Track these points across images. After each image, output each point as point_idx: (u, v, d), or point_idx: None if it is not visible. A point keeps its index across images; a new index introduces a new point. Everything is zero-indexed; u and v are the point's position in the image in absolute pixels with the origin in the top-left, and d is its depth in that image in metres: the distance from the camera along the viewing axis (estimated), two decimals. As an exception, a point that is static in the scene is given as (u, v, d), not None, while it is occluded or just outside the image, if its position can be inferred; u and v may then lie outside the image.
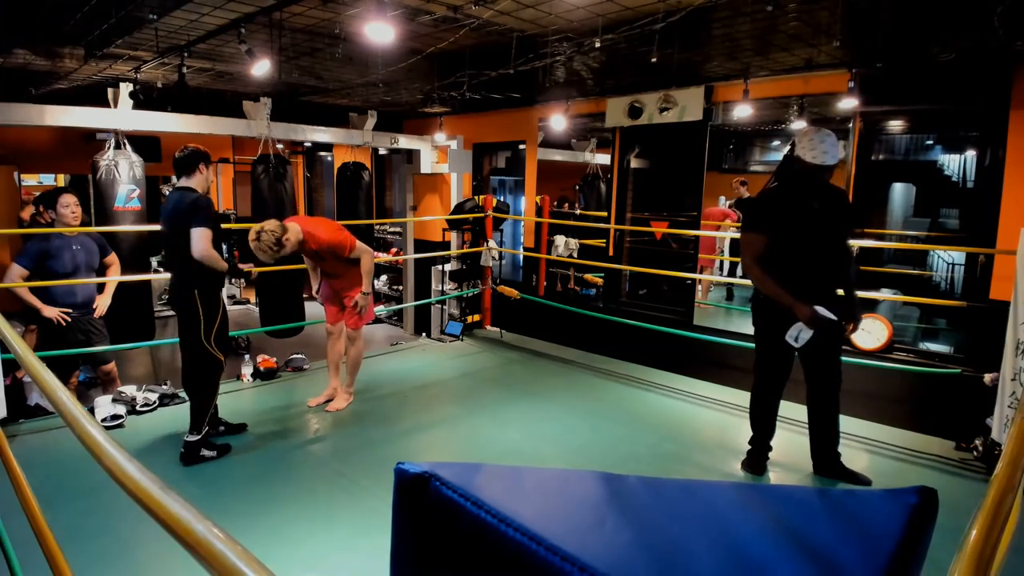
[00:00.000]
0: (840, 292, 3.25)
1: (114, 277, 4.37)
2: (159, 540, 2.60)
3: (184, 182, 3.34)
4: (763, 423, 3.37)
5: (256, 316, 7.08)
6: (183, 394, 3.96)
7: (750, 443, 3.45)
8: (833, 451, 3.32)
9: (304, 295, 6.07)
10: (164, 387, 4.29)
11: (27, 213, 4.93)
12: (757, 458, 3.42)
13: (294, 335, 6.08)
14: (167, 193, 3.26)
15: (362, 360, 4.40)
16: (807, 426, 3.30)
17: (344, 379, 4.35)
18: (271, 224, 3.68)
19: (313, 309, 8.14)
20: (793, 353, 3.17)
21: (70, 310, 4.09)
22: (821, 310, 2.90)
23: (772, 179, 3.21)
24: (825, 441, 3.31)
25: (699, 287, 6.18)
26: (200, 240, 3.17)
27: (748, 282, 3.28)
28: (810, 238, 3.06)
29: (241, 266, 3.88)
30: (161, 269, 7.32)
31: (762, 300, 3.21)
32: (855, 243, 4.11)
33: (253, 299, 8.93)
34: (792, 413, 3.48)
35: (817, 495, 0.93)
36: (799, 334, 2.92)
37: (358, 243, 4.01)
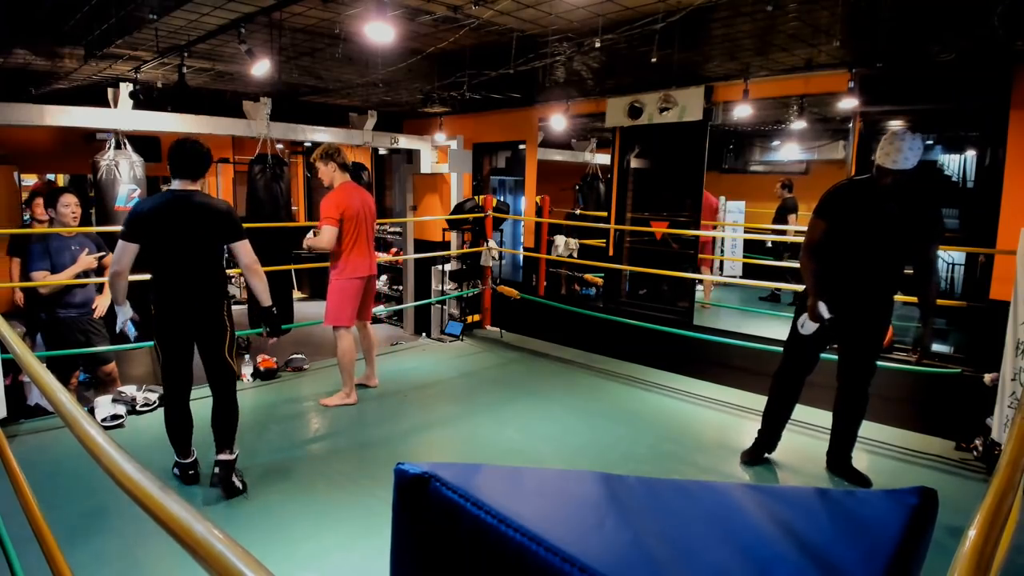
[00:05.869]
0: (897, 296, 3.20)
1: (114, 277, 4.36)
2: (159, 540, 2.61)
3: (194, 185, 2.96)
4: (776, 412, 3.38)
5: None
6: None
7: (758, 434, 3.48)
8: (847, 450, 3.33)
9: (296, 296, 6.04)
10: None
11: (39, 212, 4.80)
12: (757, 450, 3.45)
13: (282, 335, 6.08)
14: (171, 191, 3.01)
15: (350, 361, 4.22)
16: (813, 426, 3.28)
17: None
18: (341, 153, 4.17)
19: (304, 310, 8.13)
20: (821, 343, 3.23)
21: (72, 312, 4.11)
22: (822, 306, 3.05)
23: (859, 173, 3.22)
24: (842, 438, 3.32)
25: (699, 287, 6.17)
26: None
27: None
28: (869, 237, 3.04)
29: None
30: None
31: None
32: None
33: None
34: (798, 415, 3.49)
35: (817, 495, 0.93)
36: (805, 323, 3.15)
37: (328, 225, 4.02)
